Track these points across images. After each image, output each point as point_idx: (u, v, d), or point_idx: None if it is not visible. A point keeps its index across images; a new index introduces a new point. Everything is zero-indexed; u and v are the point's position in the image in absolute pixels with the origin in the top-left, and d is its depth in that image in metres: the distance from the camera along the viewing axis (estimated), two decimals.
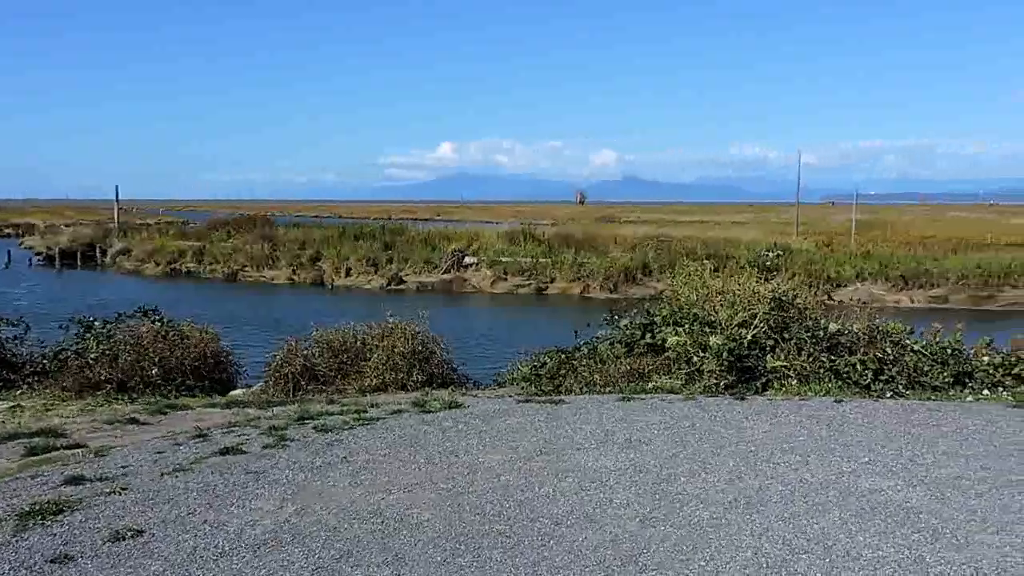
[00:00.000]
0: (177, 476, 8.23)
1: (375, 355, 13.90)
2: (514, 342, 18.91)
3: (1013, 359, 13.21)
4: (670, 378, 12.75)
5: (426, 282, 46.94)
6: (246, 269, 51.85)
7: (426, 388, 13.06)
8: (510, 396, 12.25)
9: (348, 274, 49.00)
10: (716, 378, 12.45)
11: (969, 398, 12.15)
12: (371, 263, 49.03)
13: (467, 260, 48.02)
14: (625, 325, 14.40)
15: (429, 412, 11.03)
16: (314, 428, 10.14)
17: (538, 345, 14.80)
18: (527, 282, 45.48)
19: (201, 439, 9.67)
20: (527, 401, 11.78)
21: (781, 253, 43.89)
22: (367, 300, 40.02)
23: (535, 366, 13.75)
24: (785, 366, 12.80)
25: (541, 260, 46.47)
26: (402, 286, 46.97)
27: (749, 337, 13.03)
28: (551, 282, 45.31)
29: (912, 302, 40.15)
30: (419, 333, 14.27)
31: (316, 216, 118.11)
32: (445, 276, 47.08)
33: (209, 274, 52.59)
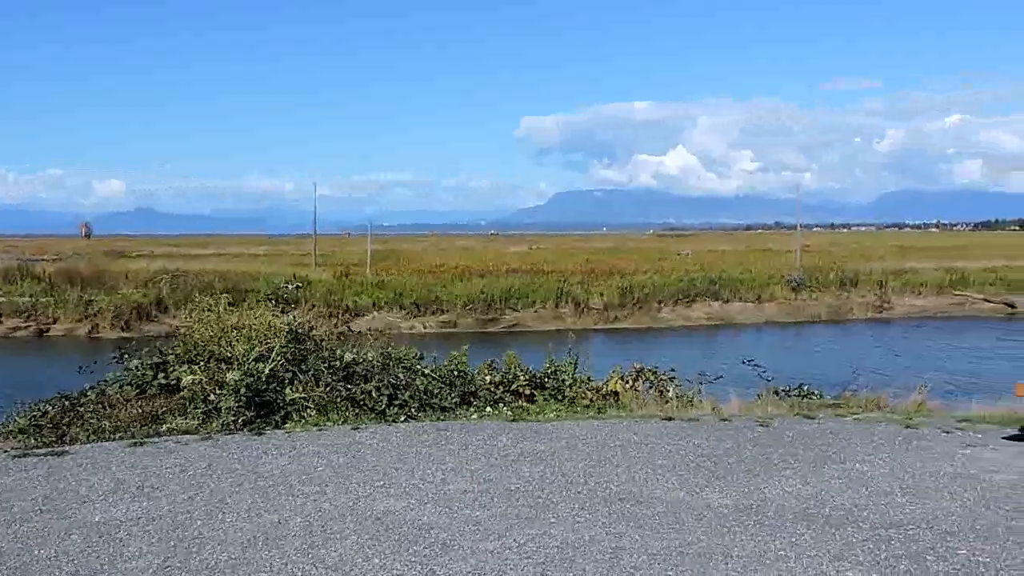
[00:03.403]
0: None
1: None
2: (11, 391, 17.23)
3: (511, 376, 14.46)
4: (186, 419, 12.29)
5: None
6: None
7: None
8: (4, 452, 11.08)
9: None
10: (234, 415, 12.21)
11: (474, 416, 13.08)
12: None
13: None
14: (136, 365, 13.66)
15: None
16: None
17: (40, 393, 13.57)
18: (25, 324, 41.66)
19: None
20: (24, 456, 10.72)
21: (300, 285, 44.45)
22: None
23: (34, 416, 12.55)
24: (304, 398, 12.91)
25: (42, 299, 42.85)
26: None
27: (267, 371, 12.97)
28: (54, 323, 41.91)
29: (425, 328, 42.61)
30: None
31: None
32: None
33: None
